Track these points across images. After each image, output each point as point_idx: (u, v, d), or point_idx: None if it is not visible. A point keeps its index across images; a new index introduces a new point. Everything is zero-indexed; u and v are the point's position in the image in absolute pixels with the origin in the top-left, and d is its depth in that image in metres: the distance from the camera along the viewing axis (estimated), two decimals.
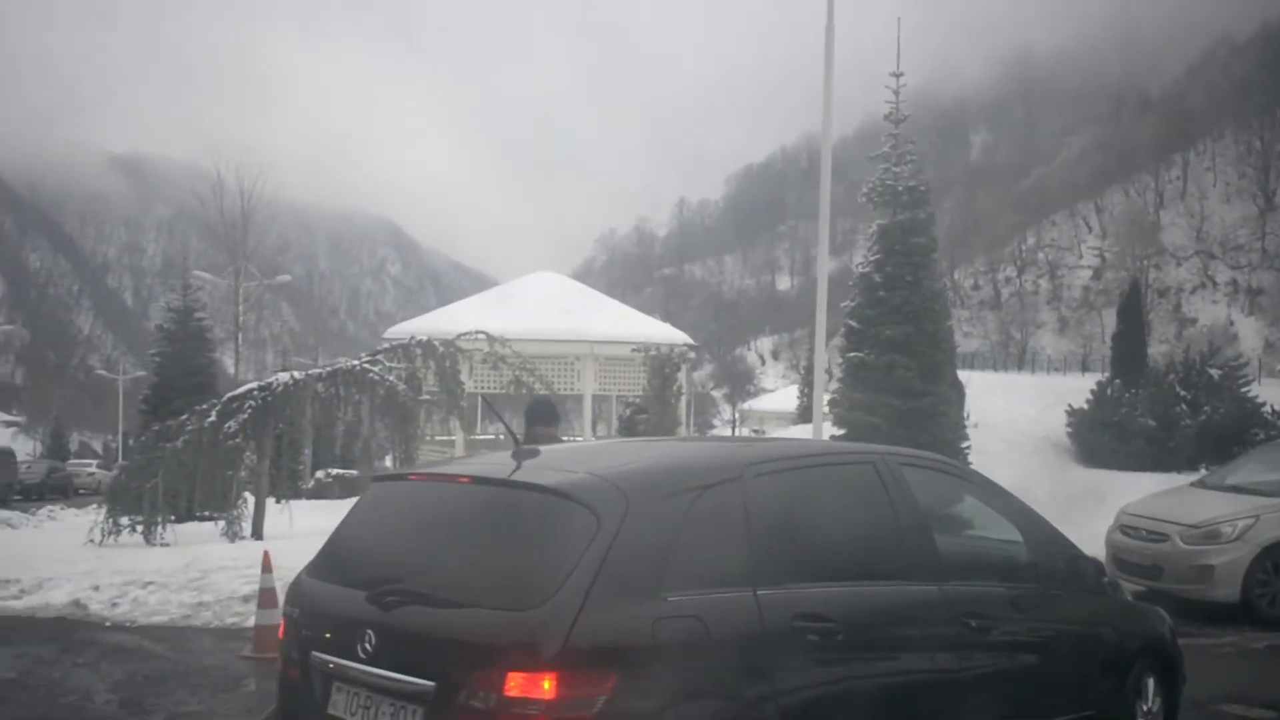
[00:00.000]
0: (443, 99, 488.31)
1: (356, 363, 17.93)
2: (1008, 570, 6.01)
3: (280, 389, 17.86)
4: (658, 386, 25.09)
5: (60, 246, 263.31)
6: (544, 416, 9.10)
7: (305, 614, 5.05)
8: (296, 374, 18.39)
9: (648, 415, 25.58)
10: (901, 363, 17.10)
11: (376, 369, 17.55)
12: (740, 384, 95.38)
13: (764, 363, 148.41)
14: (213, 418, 17.89)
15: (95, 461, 66.73)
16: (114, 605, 13.04)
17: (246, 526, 18.00)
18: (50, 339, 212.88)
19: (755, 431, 67.79)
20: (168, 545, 17.30)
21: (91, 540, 17.88)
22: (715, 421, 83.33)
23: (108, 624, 12.53)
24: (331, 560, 5.21)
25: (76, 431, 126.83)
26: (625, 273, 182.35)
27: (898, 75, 18.73)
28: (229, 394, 18.30)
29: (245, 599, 12.81)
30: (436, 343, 18.07)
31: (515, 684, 3.96)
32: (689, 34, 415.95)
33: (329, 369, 18.06)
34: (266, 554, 11.06)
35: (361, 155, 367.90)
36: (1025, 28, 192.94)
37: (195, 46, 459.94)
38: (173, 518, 18.09)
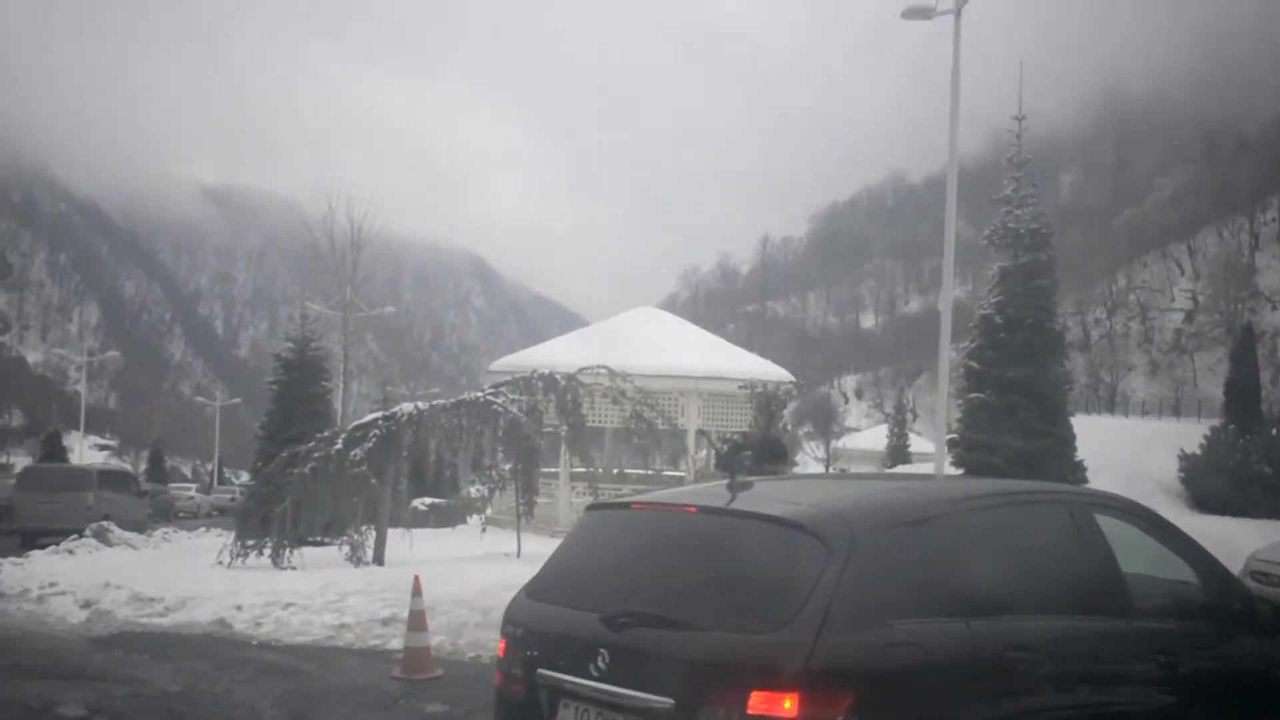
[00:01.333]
0: (528, 132, 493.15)
1: (480, 395, 18.30)
2: (1187, 609, 6.12)
3: (404, 419, 18.27)
4: (763, 422, 25.25)
5: (154, 275, 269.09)
6: (774, 454, 9.40)
7: (529, 633, 5.29)
8: (420, 404, 18.78)
9: (751, 452, 25.72)
10: (1023, 404, 17.12)
11: (499, 401, 17.90)
12: (824, 422, 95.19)
13: (847, 401, 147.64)
14: (339, 445, 18.33)
15: (194, 485, 67.94)
16: (258, 625, 13.46)
17: (369, 552, 18.37)
18: (143, 365, 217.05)
19: (842, 470, 67.63)
20: (294, 569, 17.71)
21: (220, 562, 18.37)
22: (803, 460, 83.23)
23: (254, 642, 12.95)
24: (553, 583, 5.45)
25: (167, 456, 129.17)
26: (709, 309, 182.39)
27: (1020, 119, 18.81)
28: (354, 423, 18.75)
29: (385, 622, 13.16)
30: (558, 376, 18.39)
31: (758, 702, 4.17)
32: (775, 73, 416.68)
33: (453, 400, 18.43)
34: (417, 578, 11.38)
35: (447, 189, 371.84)
36: (1116, 67, 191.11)
37: (282, 81, 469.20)
38: (299, 542, 18.50)
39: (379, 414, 18.74)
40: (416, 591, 11.18)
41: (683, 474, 38.15)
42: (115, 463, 73.93)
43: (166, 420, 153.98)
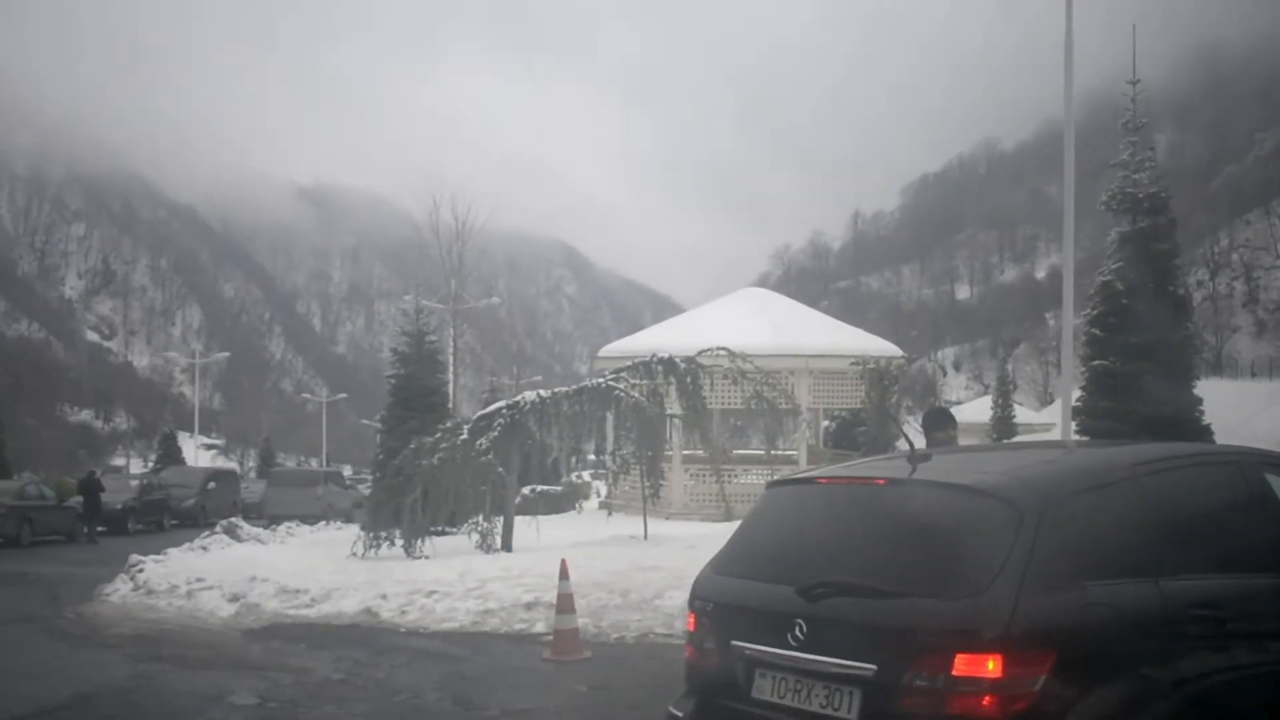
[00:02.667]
0: (615, 118, 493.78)
1: (601, 381, 18.51)
2: None
3: (528, 407, 18.55)
4: (876, 398, 25.22)
5: (252, 276, 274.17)
6: (941, 423, 9.49)
7: (720, 607, 5.45)
8: (543, 392, 19.07)
9: (865, 427, 25.77)
10: (1147, 370, 16.95)
11: (621, 386, 18.11)
12: (923, 396, 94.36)
13: (945, 374, 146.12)
14: (464, 435, 18.67)
15: None
16: (403, 613, 13.80)
17: (497, 539, 18.67)
18: (245, 365, 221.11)
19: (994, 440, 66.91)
20: (426, 558, 18.06)
21: (354, 554, 18.80)
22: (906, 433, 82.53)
23: (402, 630, 13.29)
24: (741, 558, 5.59)
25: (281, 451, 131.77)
26: (801, 287, 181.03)
27: (1134, 83, 18.55)
28: (479, 412, 19.07)
29: (528, 606, 13.43)
30: (677, 359, 18.53)
31: (962, 664, 4.30)
32: (861, 46, 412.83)
33: (575, 388, 18.67)
34: (564, 562, 11.60)
35: (535, 178, 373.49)
36: (1211, 23, 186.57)
37: (371, 79, 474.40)
38: (427, 532, 18.85)
39: (502, 403, 19.02)
40: (564, 575, 11.40)
41: (792, 453, 38.21)
42: (308, 466, 75.41)
43: (270, 418, 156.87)
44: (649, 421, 17.78)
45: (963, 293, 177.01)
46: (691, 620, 5.71)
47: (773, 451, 28.38)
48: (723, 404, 21.46)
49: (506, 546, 18.53)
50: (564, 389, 18.94)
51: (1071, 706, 4.36)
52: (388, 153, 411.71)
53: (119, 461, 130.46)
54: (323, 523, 34.34)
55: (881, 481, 5.34)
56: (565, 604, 11.26)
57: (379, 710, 9.39)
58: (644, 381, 18.57)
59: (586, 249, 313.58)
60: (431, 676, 10.58)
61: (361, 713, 9.33)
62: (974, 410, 70.28)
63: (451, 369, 33.53)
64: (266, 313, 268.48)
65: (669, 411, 19.01)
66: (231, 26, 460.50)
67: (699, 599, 5.69)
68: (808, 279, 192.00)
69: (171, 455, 59.91)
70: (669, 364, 18.54)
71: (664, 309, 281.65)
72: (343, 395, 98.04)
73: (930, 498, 5.01)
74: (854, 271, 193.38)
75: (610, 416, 18.17)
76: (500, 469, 18.49)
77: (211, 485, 43.41)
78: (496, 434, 18.37)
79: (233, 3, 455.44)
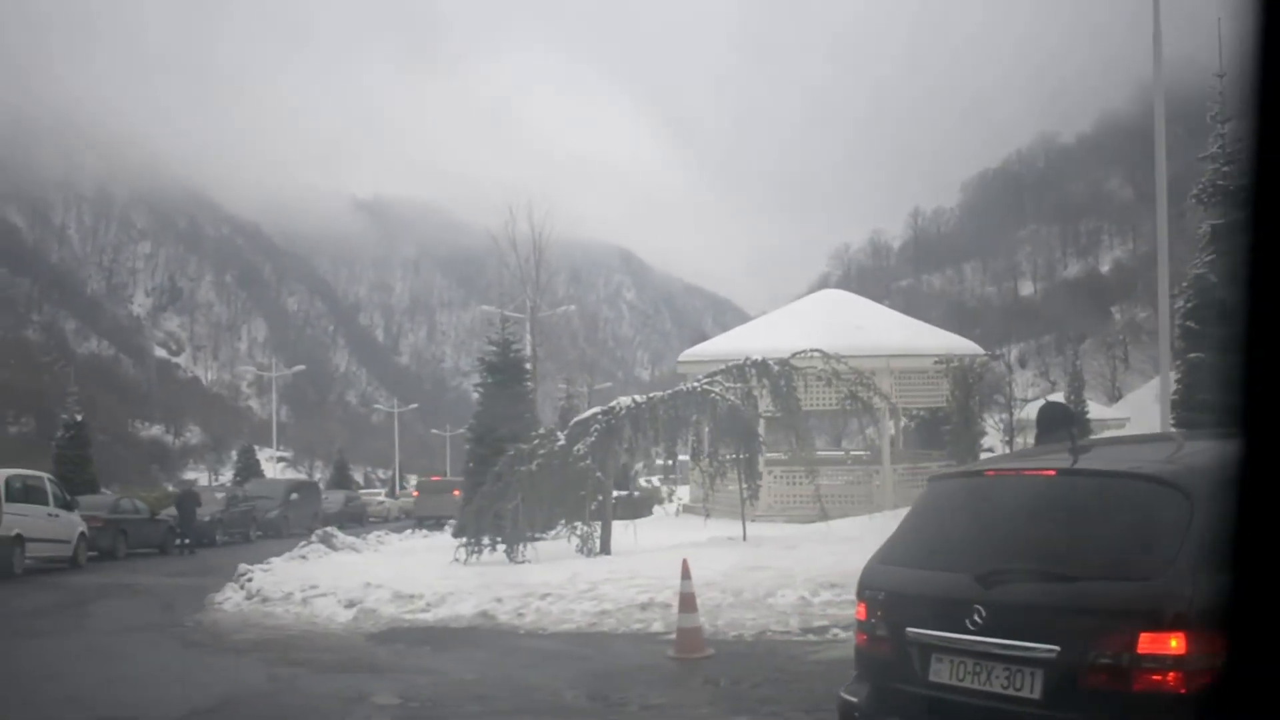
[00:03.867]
0: (669, 121, 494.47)
1: (696, 385, 18.77)
2: None
3: (624, 412, 18.84)
4: (960, 397, 25.28)
5: (316, 289, 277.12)
6: (1065, 420, 9.66)
7: (892, 596, 5.69)
8: (638, 398, 19.35)
9: (951, 426, 25.84)
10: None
11: (716, 389, 18.36)
12: (989, 393, 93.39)
13: (1011, 371, 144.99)
14: (562, 441, 19.00)
15: (383, 491, 70.08)
16: (520, 615, 14.11)
17: (596, 543, 18.95)
18: (310, 377, 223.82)
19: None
20: (528, 562, 18.38)
21: (456, 559, 19.14)
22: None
23: (521, 632, 13.60)
24: (909, 548, 5.84)
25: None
26: (861, 287, 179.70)
27: (1221, 75, 18.53)
28: (575, 419, 19.37)
29: (643, 607, 13.69)
30: (771, 362, 18.75)
31: (1147, 643, 4.52)
32: (917, 41, 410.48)
33: (669, 392, 18.96)
34: (685, 562, 11.87)
35: (593, 182, 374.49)
36: None
37: (425, 89, 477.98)
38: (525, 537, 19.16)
39: (598, 409, 19.35)
40: (685, 575, 11.66)
41: (860, 453, 38.18)
42: (376, 475, 76.34)
43: (336, 429, 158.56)
44: (745, 424, 18.02)
45: (1026, 289, 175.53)
46: (862, 609, 5.95)
47: (852, 452, 28.50)
48: (815, 405, 21.64)
49: (605, 550, 18.80)
50: (659, 394, 19.23)
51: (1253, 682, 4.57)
52: (445, 163, 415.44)
53: (190, 475, 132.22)
54: (409, 530, 34.88)
55: (1052, 473, 5.57)
56: (688, 603, 11.50)
57: (520, 708, 9.67)
58: (738, 385, 18.79)
59: (645, 254, 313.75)
60: (562, 675, 10.86)
61: (504, 710, 9.62)
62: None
63: (534, 377, 33.94)
64: (330, 325, 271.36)
65: (763, 413, 19.20)
66: (288, 45, 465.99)
67: (869, 589, 5.93)
68: (868, 278, 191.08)
69: (251, 468, 60.87)
70: (762, 366, 18.76)
71: (724, 312, 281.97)
72: (413, 405, 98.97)
73: (1104, 487, 5.24)
74: (915, 270, 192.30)
75: (705, 420, 18.39)
76: (599, 474, 18.79)
77: (294, 496, 44.16)
78: (594, 439, 18.67)
79: (288, 22, 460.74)
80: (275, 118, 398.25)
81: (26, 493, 25.72)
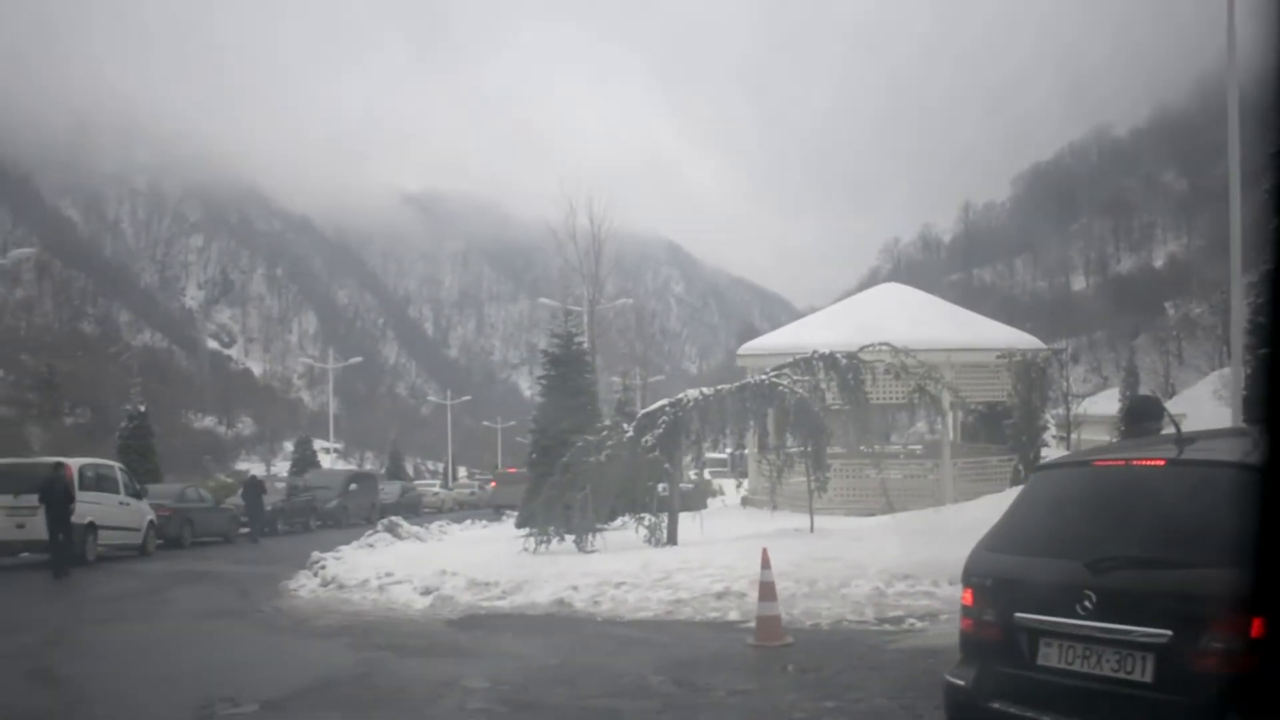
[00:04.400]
0: (717, 114, 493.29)
1: (764, 378, 18.93)
2: None
3: (691, 404, 19.04)
4: (1023, 391, 25.29)
5: (365, 283, 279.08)
6: (1154, 413, 9.78)
7: (1000, 582, 5.85)
8: (705, 390, 19.53)
9: (1013, 420, 25.85)
10: None
11: (784, 383, 18.51)
12: (1039, 389, 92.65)
13: (1064, 366, 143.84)
14: (630, 433, 19.21)
15: (438, 482, 70.68)
16: (596, 603, 14.34)
17: (663, 533, 19.14)
18: (360, 369, 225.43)
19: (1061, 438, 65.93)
20: (597, 552, 18.60)
21: (525, 549, 19.41)
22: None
23: (599, 619, 13.83)
24: (1016, 536, 6.01)
25: (385, 454, 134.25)
26: (911, 281, 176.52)
27: None
28: (643, 410, 19.58)
29: (718, 596, 13.90)
30: (839, 355, 18.88)
31: (1260, 628, 4.66)
32: (967, 33, 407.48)
33: (737, 385, 19.12)
34: (765, 551, 12.06)
35: (640, 177, 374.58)
36: None
37: (475, 84, 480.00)
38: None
39: (665, 401, 19.54)
40: (765, 564, 11.84)
41: (916, 447, 38.14)
42: (426, 467, 77.11)
43: (387, 421, 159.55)
44: (814, 417, 18.16)
45: (1078, 284, 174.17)
46: (969, 595, 6.11)
47: (907, 446, 28.51)
48: (882, 399, 21.73)
49: (672, 540, 18.98)
50: (726, 386, 19.39)
51: None
52: (493, 158, 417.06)
53: (242, 466, 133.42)
54: (468, 520, 35.25)
55: (1161, 463, 5.71)
56: (767, 592, 11.68)
57: (608, 692, 9.86)
58: (805, 378, 18.92)
59: (693, 247, 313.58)
60: (645, 661, 11.05)
61: (592, 694, 9.82)
62: (1102, 403, 69.39)
63: (594, 369, 34.20)
64: (380, 318, 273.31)
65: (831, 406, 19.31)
66: (339, 40, 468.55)
67: (976, 575, 6.08)
68: (918, 272, 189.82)
69: (308, 460, 61.53)
70: (830, 360, 18.89)
71: (772, 306, 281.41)
72: (466, 398, 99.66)
73: (1213, 477, 5.37)
74: (965, 264, 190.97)
75: (773, 413, 18.55)
76: (667, 465, 19.00)
77: (353, 487, 44.69)
78: (661, 431, 18.87)
79: (341, 17, 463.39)
80: (326, 112, 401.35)
81: (99, 481, 26.21)
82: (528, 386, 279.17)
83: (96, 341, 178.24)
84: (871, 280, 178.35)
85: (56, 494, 22.04)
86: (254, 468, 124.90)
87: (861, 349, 19.04)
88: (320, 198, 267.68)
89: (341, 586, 17.29)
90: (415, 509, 52.85)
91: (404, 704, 9.67)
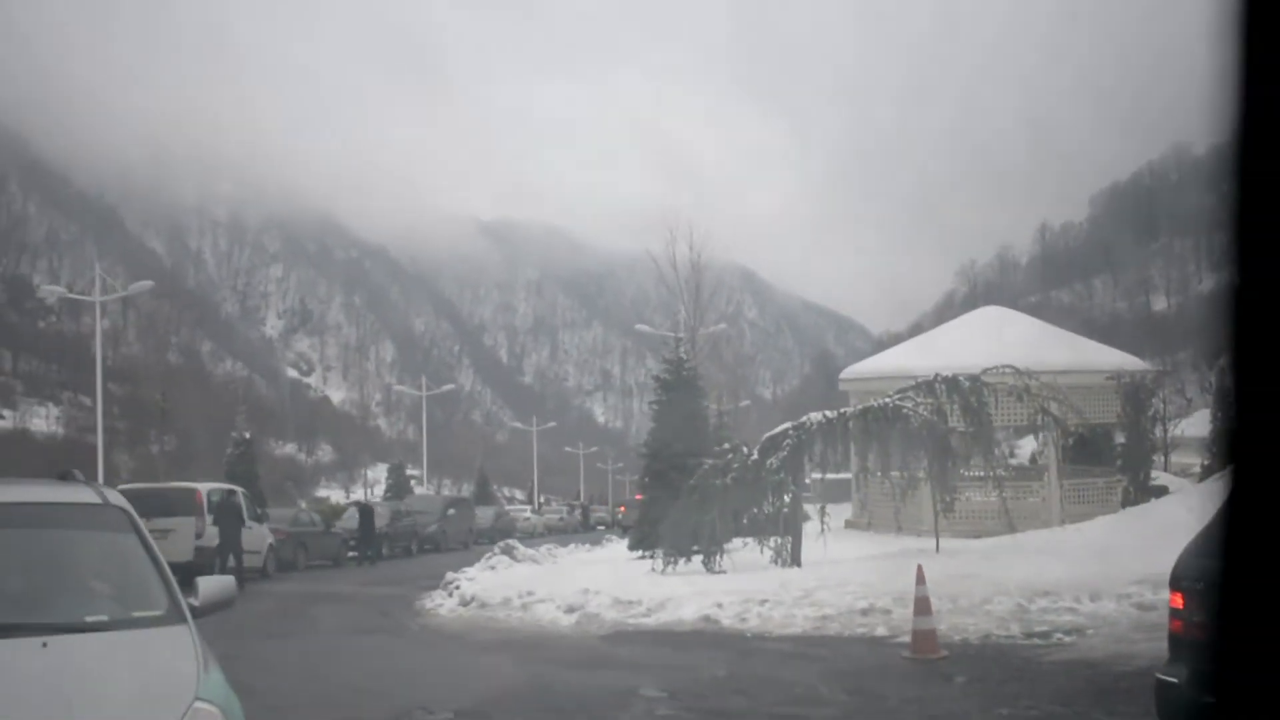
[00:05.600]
0: (789, 140, 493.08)
1: (888, 400, 19.37)
2: None
3: (814, 427, 19.51)
4: (1132, 413, 25.48)
5: (441, 310, 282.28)
6: None
7: (1212, 585, 6.28)
8: (829, 413, 19.99)
9: (1124, 442, 26.04)
10: None
11: (908, 405, 18.94)
12: (1148, 411, 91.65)
13: (1162, 389, 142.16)
14: (754, 456, 19.72)
15: (528, 507, 71.56)
16: (742, 620, 14.82)
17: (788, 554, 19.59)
18: (436, 397, 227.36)
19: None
20: (724, 572, 19.08)
21: (653, 569, 19.94)
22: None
23: (748, 635, 14.32)
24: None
25: (464, 480, 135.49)
26: (989, 303, 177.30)
27: None
28: (767, 434, 20.07)
29: (864, 612, 14.33)
30: (961, 378, 19.28)
31: None
32: (1040, 55, 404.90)
33: (860, 408, 19.58)
34: (920, 568, 12.49)
35: (711, 202, 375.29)
36: None
37: (542, 111, 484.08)
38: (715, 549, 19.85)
39: (789, 424, 20.02)
40: (920, 580, 12.27)
41: (1002, 471, 38.10)
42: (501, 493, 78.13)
43: (464, 448, 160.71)
44: (940, 438, 18.57)
45: (1159, 304, 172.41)
46: (1178, 599, 6.56)
47: (1009, 467, 28.63)
48: (1006, 421, 22.05)
49: (796, 561, 19.39)
50: (849, 409, 19.87)
51: None
52: (566, 187, 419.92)
53: (322, 493, 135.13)
54: (572, 545, 35.85)
55: None
56: (923, 606, 12.11)
57: (784, 700, 10.35)
58: (927, 400, 19.34)
59: (766, 272, 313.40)
60: (810, 672, 11.52)
61: (770, 701, 10.31)
62: (1193, 424, 68.75)
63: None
64: (455, 346, 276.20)
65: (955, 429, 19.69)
66: (414, 70, 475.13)
67: (1187, 580, 6.53)
68: (995, 294, 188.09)
69: (402, 485, 62.58)
70: (952, 382, 19.30)
71: (846, 331, 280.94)
72: (551, 424, 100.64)
73: None
74: (1043, 286, 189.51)
75: (895, 435, 18.97)
76: (793, 487, 19.48)
77: (451, 512, 45.54)
78: (785, 454, 19.35)
79: (415, 46, 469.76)
80: (401, 143, 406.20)
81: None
82: (601, 413, 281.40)
83: (180, 371, 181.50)
84: (948, 304, 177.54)
85: (230, 515, 23.13)
86: (334, 494, 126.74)
87: (984, 371, 19.43)
88: (395, 227, 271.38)
89: (484, 605, 17.90)
90: (509, 533, 53.56)
91: (593, 712, 10.21)
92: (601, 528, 69.42)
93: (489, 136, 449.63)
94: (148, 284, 43.82)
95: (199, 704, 4.96)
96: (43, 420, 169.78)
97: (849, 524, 30.10)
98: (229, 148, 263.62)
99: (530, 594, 17.56)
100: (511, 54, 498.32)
